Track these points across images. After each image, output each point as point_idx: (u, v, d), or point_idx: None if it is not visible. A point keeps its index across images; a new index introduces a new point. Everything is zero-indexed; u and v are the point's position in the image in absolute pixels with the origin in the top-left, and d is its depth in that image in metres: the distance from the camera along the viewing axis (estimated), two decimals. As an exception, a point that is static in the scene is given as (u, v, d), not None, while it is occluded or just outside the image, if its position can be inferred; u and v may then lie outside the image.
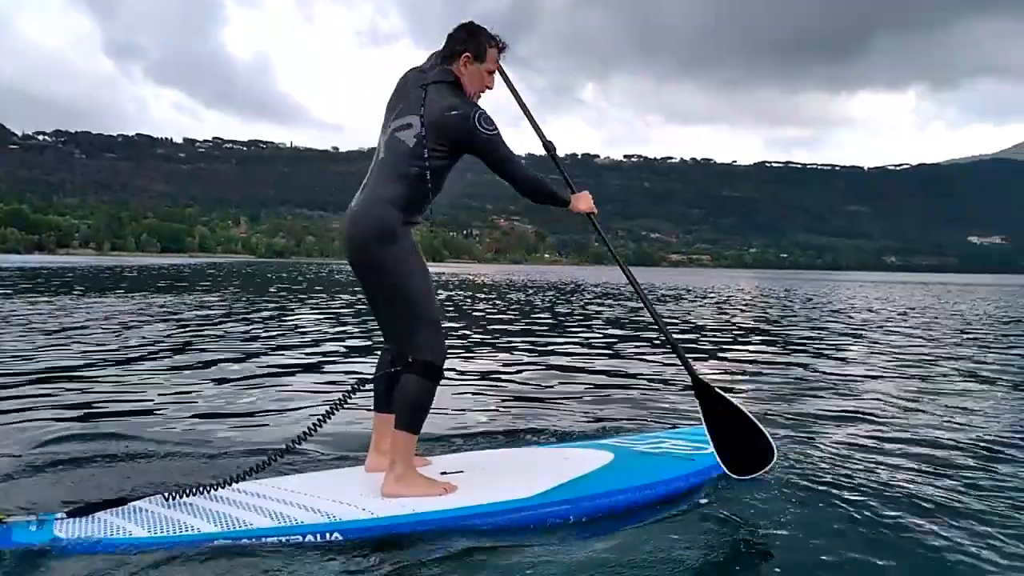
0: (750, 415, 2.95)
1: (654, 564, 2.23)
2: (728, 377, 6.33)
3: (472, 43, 2.84)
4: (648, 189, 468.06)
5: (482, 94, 2.93)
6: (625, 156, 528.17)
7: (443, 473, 2.87)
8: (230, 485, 2.60)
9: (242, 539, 2.32)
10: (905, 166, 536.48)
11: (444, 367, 2.81)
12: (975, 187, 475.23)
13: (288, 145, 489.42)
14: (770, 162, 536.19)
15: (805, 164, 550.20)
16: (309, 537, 2.36)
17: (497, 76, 2.97)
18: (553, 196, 2.95)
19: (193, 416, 4.23)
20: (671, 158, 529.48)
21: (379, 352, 3.01)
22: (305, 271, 47.05)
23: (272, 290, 20.32)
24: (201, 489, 2.56)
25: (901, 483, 3.07)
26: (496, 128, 2.73)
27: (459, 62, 2.84)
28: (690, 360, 3.09)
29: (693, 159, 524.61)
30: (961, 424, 4.40)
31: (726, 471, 2.91)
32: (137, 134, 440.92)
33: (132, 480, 2.94)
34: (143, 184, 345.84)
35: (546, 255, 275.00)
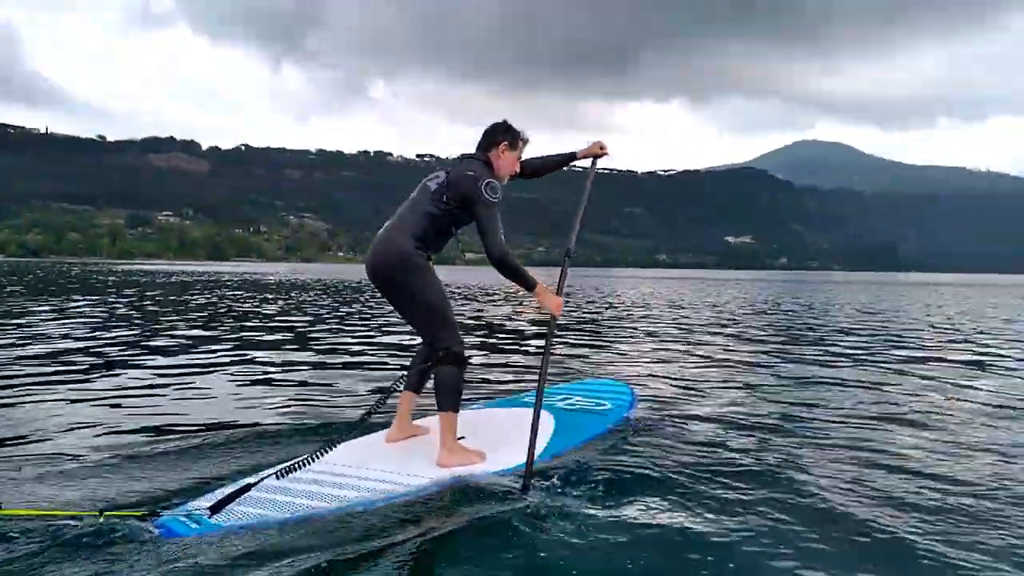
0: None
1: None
2: (524, 362, 7.94)
3: (509, 136, 3.54)
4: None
5: (509, 178, 3.60)
6: (418, 155, 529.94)
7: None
8: (312, 463, 2.98)
9: (373, 507, 2.83)
10: (672, 172, 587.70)
11: (467, 355, 3.41)
12: (729, 193, 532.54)
13: (42, 131, 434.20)
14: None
15: (583, 168, 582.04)
16: (421, 496, 2.95)
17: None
18: (519, 274, 3.32)
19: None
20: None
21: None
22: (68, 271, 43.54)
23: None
24: (296, 467, 2.93)
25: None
26: (497, 199, 3.28)
27: (498, 149, 3.50)
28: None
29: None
30: (731, 400, 5.31)
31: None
32: None
33: (200, 468, 3.36)
34: None
35: (340, 253, 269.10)
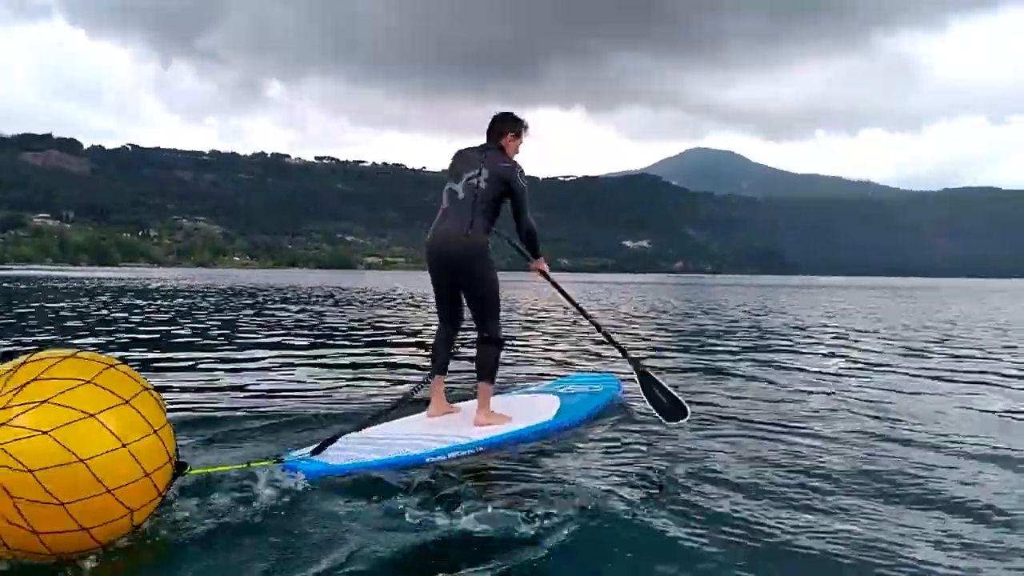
0: (669, 387, 4.47)
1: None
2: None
3: (516, 126, 4.34)
4: (342, 191, 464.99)
5: (515, 156, 4.34)
6: (317, 157, 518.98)
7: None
8: (379, 423, 3.99)
9: (440, 455, 3.64)
10: (572, 178, 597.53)
11: (504, 339, 4.32)
12: (626, 198, 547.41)
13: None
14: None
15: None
16: (471, 450, 3.76)
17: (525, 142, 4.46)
18: (534, 244, 4.38)
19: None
20: (363, 161, 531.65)
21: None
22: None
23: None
24: (367, 424, 3.90)
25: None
26: (527, 183, 4.15)
27: (507, 138, 4.29)
28: (629, 353, 4.71)
29: (385, 163, 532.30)
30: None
31: (663, 421, 4.37)
32: None
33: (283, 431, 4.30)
34: None
35: (236, 258, 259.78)
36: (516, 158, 4.35)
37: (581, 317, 4.72)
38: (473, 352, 4.29)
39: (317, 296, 24.37)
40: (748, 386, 6.45)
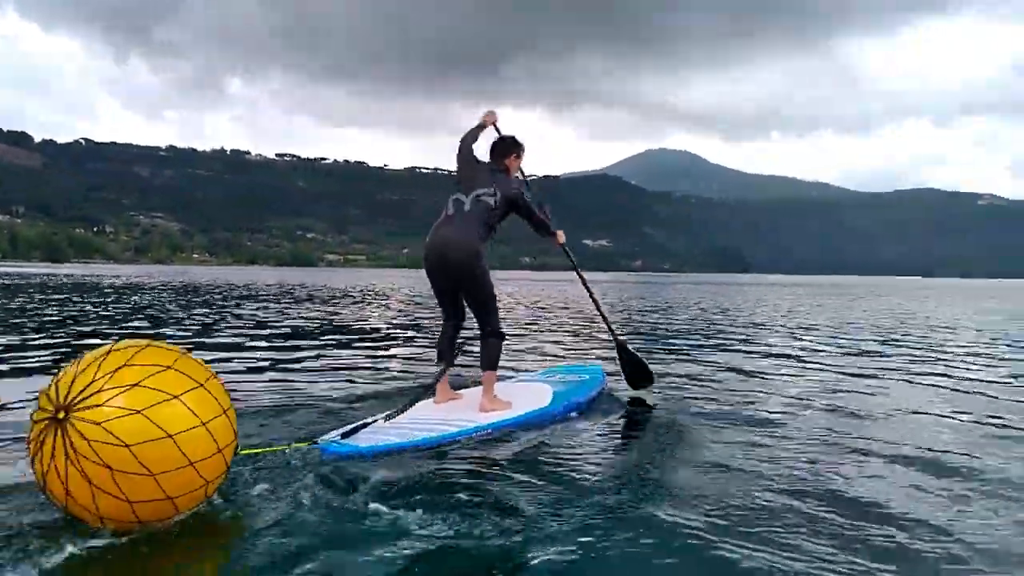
0: (641, 359, 5.53)
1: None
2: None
3: (518, 149, 4.99)
4: (303, 189, 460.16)
5: (516, 174, 4.99)
6: (278, 154, 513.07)
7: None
8: (403, 413, 4.16)
9: (453, 439, 4.02)
10: (533, 177, 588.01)
11: (505, 332, 4.81)
12: (587, 198, 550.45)
13: None
14: (420, 167, 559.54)
15: (451, 171, 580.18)
16: (480, 433, 4.15)
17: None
18: (548, 229, 5.03)
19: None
20: (325, 159, 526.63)
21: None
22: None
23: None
24: (394, 415, 4.13)
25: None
26: (529, 199, 4.83)
27: (511, 157, 4.93)
28: (611, 325, 5.68)
29: (347, 161, 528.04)
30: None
31: (630, 387, 5.51)
32: None
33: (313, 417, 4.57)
34: None
35: (195, 255, 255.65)
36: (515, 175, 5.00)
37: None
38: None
39: (318, 295, 24.90)
40: (708, 383, 6.47)
